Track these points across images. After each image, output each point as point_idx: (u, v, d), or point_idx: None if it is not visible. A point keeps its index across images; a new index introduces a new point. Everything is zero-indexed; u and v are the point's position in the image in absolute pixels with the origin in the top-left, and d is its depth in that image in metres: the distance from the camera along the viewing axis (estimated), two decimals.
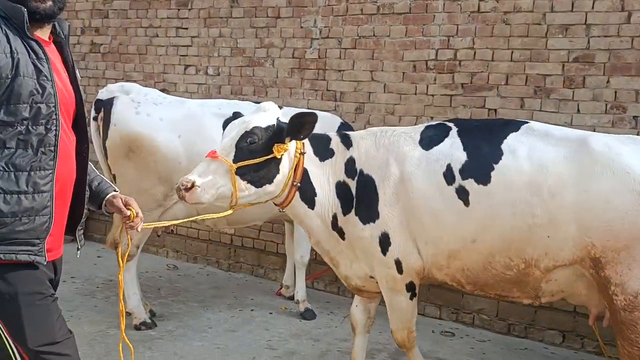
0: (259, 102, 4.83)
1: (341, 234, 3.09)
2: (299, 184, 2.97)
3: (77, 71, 2.21)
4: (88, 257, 6.13)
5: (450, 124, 3.05)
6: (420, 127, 3.12)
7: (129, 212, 2.26)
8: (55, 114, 1.98)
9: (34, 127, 1.94)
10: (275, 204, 3.10)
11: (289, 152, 2.94)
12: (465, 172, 2.83)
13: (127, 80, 6.20)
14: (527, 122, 2.96)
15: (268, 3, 5.49)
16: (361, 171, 3.02)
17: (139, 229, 2.33)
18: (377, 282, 3.13)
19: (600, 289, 2.72)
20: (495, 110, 4.55)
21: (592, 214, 2.62)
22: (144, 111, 4.23)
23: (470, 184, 2.81)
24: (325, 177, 3.04)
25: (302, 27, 5.33)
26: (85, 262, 5.96)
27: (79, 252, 2.31)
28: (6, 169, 1.92)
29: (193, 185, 2.76)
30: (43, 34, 2.03)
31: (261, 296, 5.17)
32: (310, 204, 3.03)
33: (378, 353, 4.09)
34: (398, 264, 2.97)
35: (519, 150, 2.78)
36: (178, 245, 6.25)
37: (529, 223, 2.70)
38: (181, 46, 6.12)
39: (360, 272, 3.15)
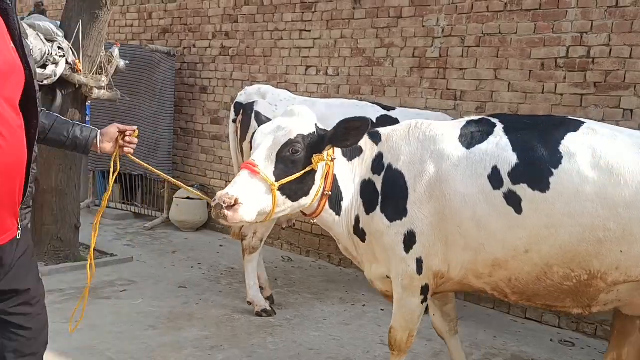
0: (375, 102, 5.03)
1: (362, 236, 2.89)
2: (329, 193, 2.77)
3: (26, 41, 1.92)
4: (211, 246, 6.59)
5: (495, 120, 2.76)
6: (461, 121, 2.86)
7: (134, 127, 2.40)
8: None
9: None
10: (305, 214, 2.90)
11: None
12: (516, 176, 2.55)
13: (252, 81, 6.57)
14: (584, 121, 2.67)
15: (390, 3, 5.54)
16: (389, 166, 2.78)
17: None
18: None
19: None
20: (632, 110, 4.25)
21: None
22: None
23: (522, 190, 2.53)
24: (351, 177, 2.84)
25: (424, 26, 5.32)
26: (209, 250, 6.41)
27: (19, 232, 1.95)
28: None
29: (236, 203, 2.46)
30: None
31: (372, 292, 5.23)
32: (337, 210, 2.85)
33: (493, 357, 3.99)
34: (419, 263, 2.75)
35: (581, 154, 2.49)
36: (292, 239, 6.50)
37: (599, 237, 2.43)
38: (303, 48, 6.35)
39: (378, 273, 2.96)
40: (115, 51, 5.20)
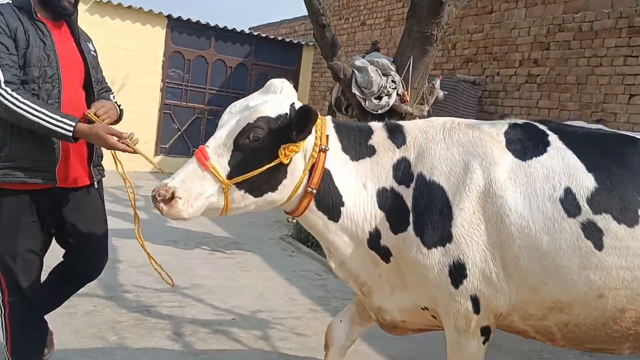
0: None
1: (385, 254, 2.29)
2: (314, 191, 2.22)
3: (87, 44, 2.77)
4: None
5: (542, 127, 2.28)
6: (501, 124, 2.32)
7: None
8: (58, 75, 2.53)
9: (43, 85, 2.49)
10: (285, 212, 2.39)
11: (304, 150, 2.21)
12: (596, 203, 2.08)
13: (560, 109, 6.30)
14: None
15: None
16: (421, 176, 2.22)
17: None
18: (429, 316, 2.37)
19: None
20: None
21: None
22: None
23: (605, 221, 2.07)
24: (358, 180, 2.27)
25: None
26: None
27: (95, 182, 2.74)
28: None
29: (174, 197, 2.09)
30: (56, 18, 2.63)
31: None
32: (333, 214, 2.28)
33: None
34: (475, 302, 2.18)
35: None
36: None
37: None
38: (627, 75, 5.83)
39: (407, 303, 2.36)
40: (437, 83, 5.57)
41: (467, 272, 2.15)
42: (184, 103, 11.25)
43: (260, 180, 2.17)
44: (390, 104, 5.16)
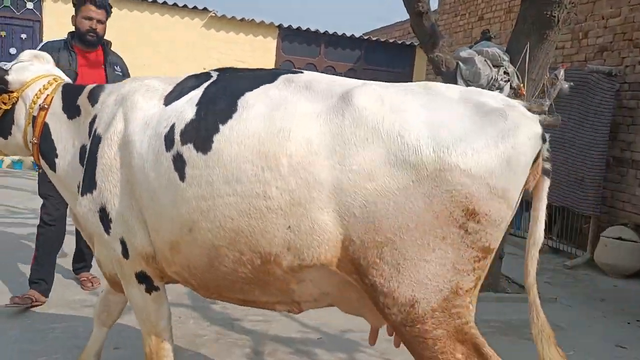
0: None
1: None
2: (37, 142, 2.61)
3: (114, 66, 4.03)
4: None
5: (215, 73, 2.25)
6: (183, 76, 2.34)
7: None
8: None
9: None
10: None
11: (24, 103, 2.64)
12: (186, 134, 2.05)
13: None
14: (301, 72, 2.11)
15: None
16: (95, 130, 2.37)
17: None
18: None
19: (371, 300, 1.90)
20: None
21: (349, 195, 1.79)
22: None
23: (188, 151, 2.02)
24: (71, 138, 2.53)
25: None
26: None
27: None
28: None
29: None
30: (86, 48, 3.96)
31: None
32: (52, 165, 2.59)
33: None
34: (123, 246, 2.28)
35: (256, 107, 1.98)
36: None
37: (260, 207, 1.90)
38: None
39: (104, 254, 2.44)
40: (561, 73, 4.81)
41: (111, 217, 2.26)
42: None
43: (2, 125, 2.67)
44: None
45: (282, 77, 2.09)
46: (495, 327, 4.42)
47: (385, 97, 1.87)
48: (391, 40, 12.10)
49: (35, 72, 2.69)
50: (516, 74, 4.56)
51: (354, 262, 1.85)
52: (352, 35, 11.56)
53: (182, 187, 2.02)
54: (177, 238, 2.09)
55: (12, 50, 9.47)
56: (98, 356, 2.83)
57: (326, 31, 11.30)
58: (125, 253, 2.27)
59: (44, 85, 2.64)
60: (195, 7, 10.54)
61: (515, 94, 4.57)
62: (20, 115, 2.64)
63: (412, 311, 1.81)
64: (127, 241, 2.25)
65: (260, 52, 10.95)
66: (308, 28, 11.15)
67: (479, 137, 1.74)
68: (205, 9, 10.60)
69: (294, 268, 1.96)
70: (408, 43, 11.90)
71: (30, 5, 9.84)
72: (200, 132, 2.03)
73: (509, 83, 4.52)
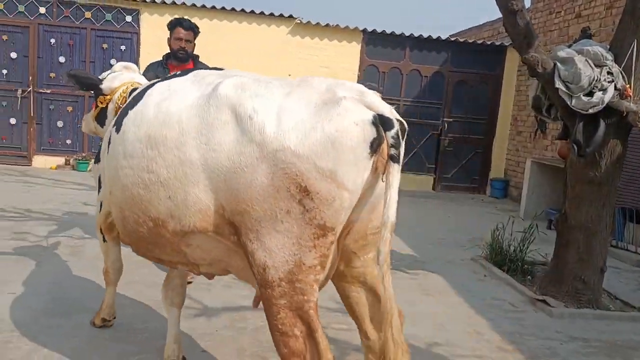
0: None
1: None
2: None
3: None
4: None
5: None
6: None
7: None
8: None
9: None
10: None
11: (113, 103, 3.37)
12: (117, 119, 2.68)
13: None
14: (220, 69, 2.58)
15: None
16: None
17: None
18: None
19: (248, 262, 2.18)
20: None
21: (214, 171, 2.12)
22: None
23: (114, 131, 2.61)
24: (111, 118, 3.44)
25: None
26: None
27: None
28: None
29: None
30: (178, 64, 4.65)
31: None
32: None
33: None
34: (100, 205, 3.22)
35: (153, 97, 2.43)
36: None
37: (145, 179, 2.31)
38: None
39: None
40: None
41: (100, 183, 3.06)
42: None
43: (100, 119, 3.50)
44: (606, 100, 4.17)
45: (195, 72, 2.49)
46: (597, 347, 4.08)
47: (247, 86, 2.14)
48: (480, 41, 11.65)
49: (122, 80, 3.40)
50: (621, 73, 4.20)
51: (230, 226, 2.15)
52: (439, 37, 11.25)
53: (107, 158, 2.66)
54: (107, 199, 2.81)
55: (112, 62, 10.08)
56: (179, 342, 3.14)
57: (411, 34, 11.07)
58: (100, 209, 3.17)
59: (124, 90, 3.33)
60: (281, 15, 10.71)
61: (621, 95, 4.22)
62: (111, 112, 3.35)
63: (265, 275, 2.07)
64: (103, 202, 3.07)
65: (344, 57, 10.92)
66: (393, 31, 10.98)
67: (309, 121, 1.95)
68: (290, 16, 10.74)
69: (178, 233, 2.30)
70: (498, 43, 11.41)
71: (129, 18, 10.44)
72: (120, 117, 2.58)
73: (613, 84, 4.17)
